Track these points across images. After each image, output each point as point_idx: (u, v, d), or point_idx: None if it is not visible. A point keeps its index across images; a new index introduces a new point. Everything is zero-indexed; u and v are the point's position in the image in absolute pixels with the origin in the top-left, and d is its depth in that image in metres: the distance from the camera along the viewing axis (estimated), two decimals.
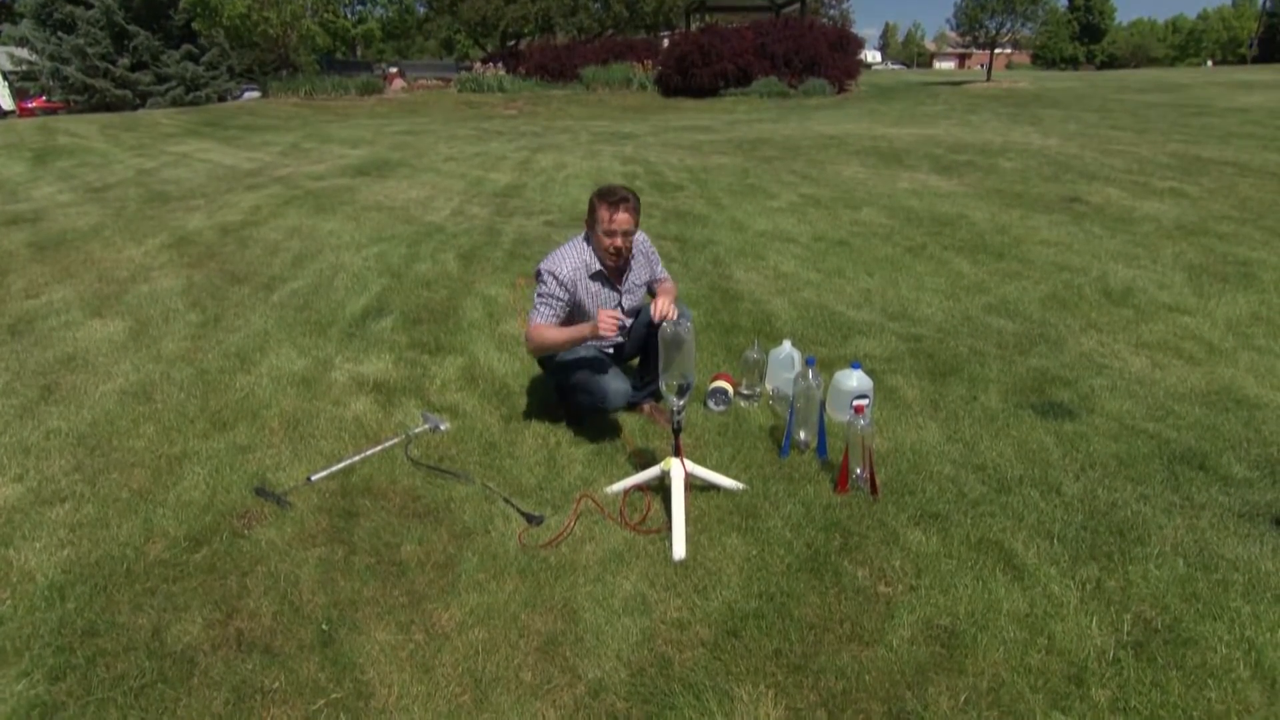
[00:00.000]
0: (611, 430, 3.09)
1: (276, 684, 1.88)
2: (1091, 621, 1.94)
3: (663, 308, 2.68)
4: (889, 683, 1.80)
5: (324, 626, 2.06)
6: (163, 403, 3.46)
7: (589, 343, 2.88)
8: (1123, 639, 1.88)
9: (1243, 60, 60.96)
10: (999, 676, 1.79)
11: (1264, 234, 5.68)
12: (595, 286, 2.96)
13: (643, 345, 3.16)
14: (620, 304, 3.03)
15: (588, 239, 2.93)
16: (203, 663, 1.95)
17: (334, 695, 1.84)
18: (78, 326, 4.49)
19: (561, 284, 2.85)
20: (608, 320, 2.61)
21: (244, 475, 2.83)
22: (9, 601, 2.15)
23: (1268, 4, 60.56)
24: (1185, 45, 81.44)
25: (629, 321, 3.10)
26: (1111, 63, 71.10)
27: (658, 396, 3.11)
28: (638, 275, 3.08)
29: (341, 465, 2.88)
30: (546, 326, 2.85)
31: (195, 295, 5.04)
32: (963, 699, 1.74)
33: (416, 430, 3.16)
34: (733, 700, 1.78)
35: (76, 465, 2.92)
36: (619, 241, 2.82)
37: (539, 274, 2.90)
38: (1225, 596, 2.01)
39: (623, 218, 2.77)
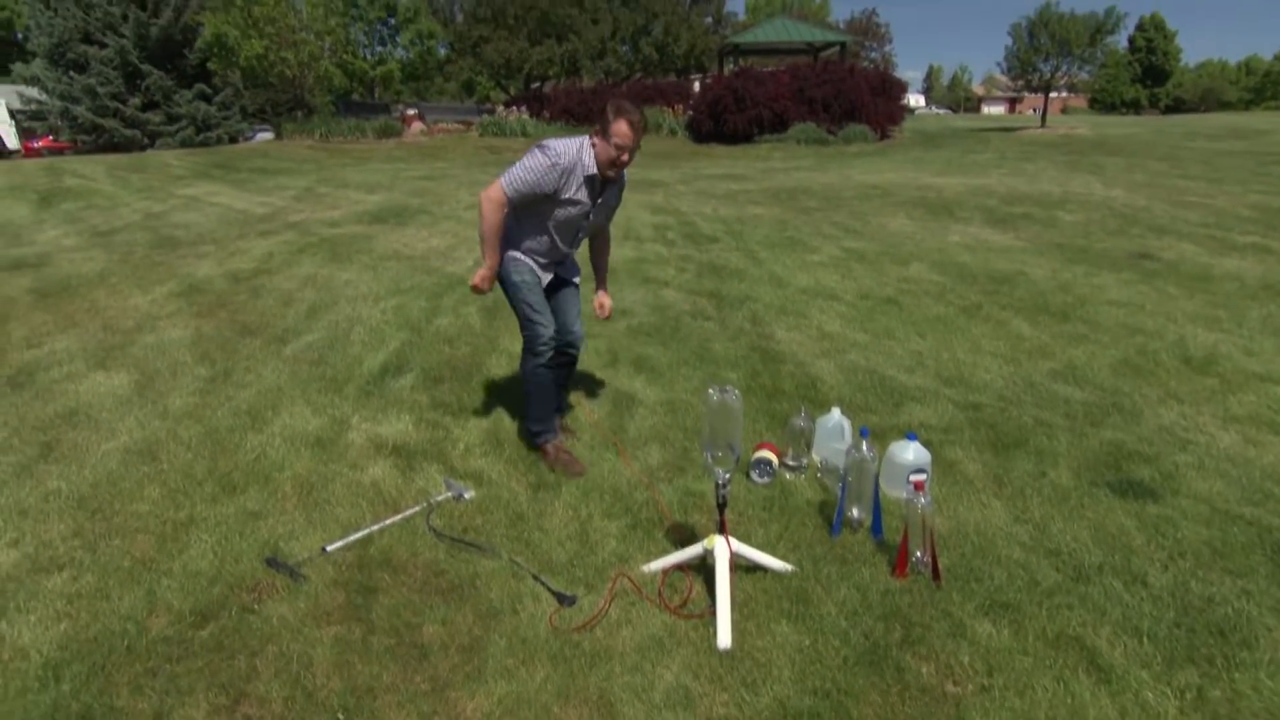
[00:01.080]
0: (648, 504, 3.10)
1: None
2: None
3: (604, 301, 3.70)
4: None
5: (339, 716, 2.05)
6: (169, 463, 3.53)
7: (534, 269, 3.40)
8: None
9: None
10: None
11: None
12: (579, 187, 3.20)
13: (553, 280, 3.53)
14: (589, 214, 3.33)
15: (593, 146, 3.16)
16: None
17: None
18: (80, 379, 4.62)
19: (554, 167, 3.11)
20: (480, 279, 3.25)
21: (254, 544, 2.86)
22: (3, 681, 2.18)
23: None
24: (1261, 88, 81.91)
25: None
26: (1178, 107, 71.61)
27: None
28: (610, 198, 3.41)
29: (359, 535, 2.90)
30: (501, 209, 3.17)
31: (204, 347, 5.17)
32: None
33: (439, 498, 3.18)
34: None
35: (76, 530, 2.97)
36: (625, 157, 3.12)
37: (540, 146, 3.14)
38: None
39: (628, 131, 3.06)
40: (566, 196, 3.20)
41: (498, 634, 2.36)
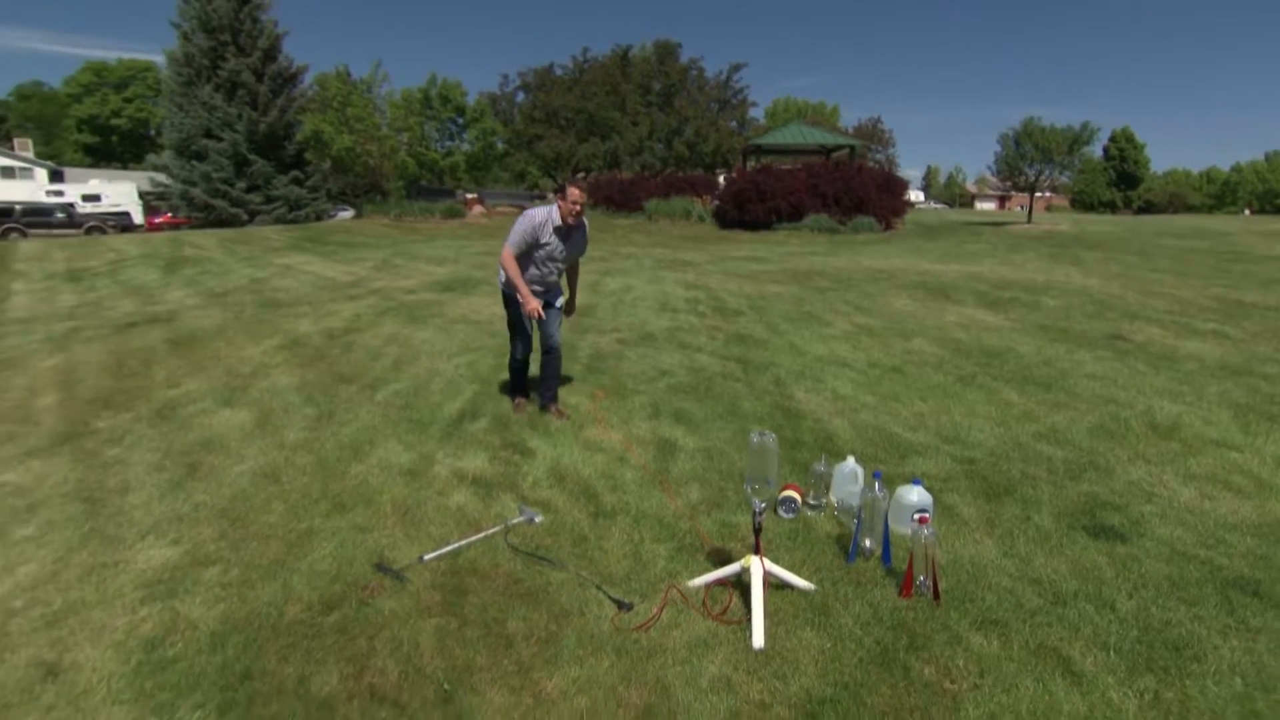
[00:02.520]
0: (691, 532, 3.30)
1: None
2: None
3: (570, 304, 4.98)
4: None
5: (445, 686, 2.27)
6: (289, 484, 3.81)
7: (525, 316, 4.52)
8: None
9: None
10: None
11: None
12: (550, 234, 4.39)
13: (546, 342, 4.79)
14: (562, 250, 4.50)
15: (557, 206, 4.34)
16: (341, 710, 2.17)
17: None
18: (212, 414, 4.95)
19: (534, 224, 4.33)
20: (531, 309, 4.39)
21: (365, 551, 3.11)
22: (180, 645, 2.43)
23: None
24: (1221, 194, 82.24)
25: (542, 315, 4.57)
26: (1148, 208, 71.79)
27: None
28: (576, 239, 4.57)
29: (450, 548, 3.14)
30: (514, 256, 4.39)
31: (309, 392, 5.49)
32: None
33: (514, 521, 3.41)
34: None
35: (221, 534, 3.25)
36: (576, 209, 4.32)
37: (524, 214, 4.41)
38: None
39: (578, 193, 4.31)
40: (544, 241, 4.40)
41: (569, 630, 2.57)
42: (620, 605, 2.71)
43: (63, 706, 2.14)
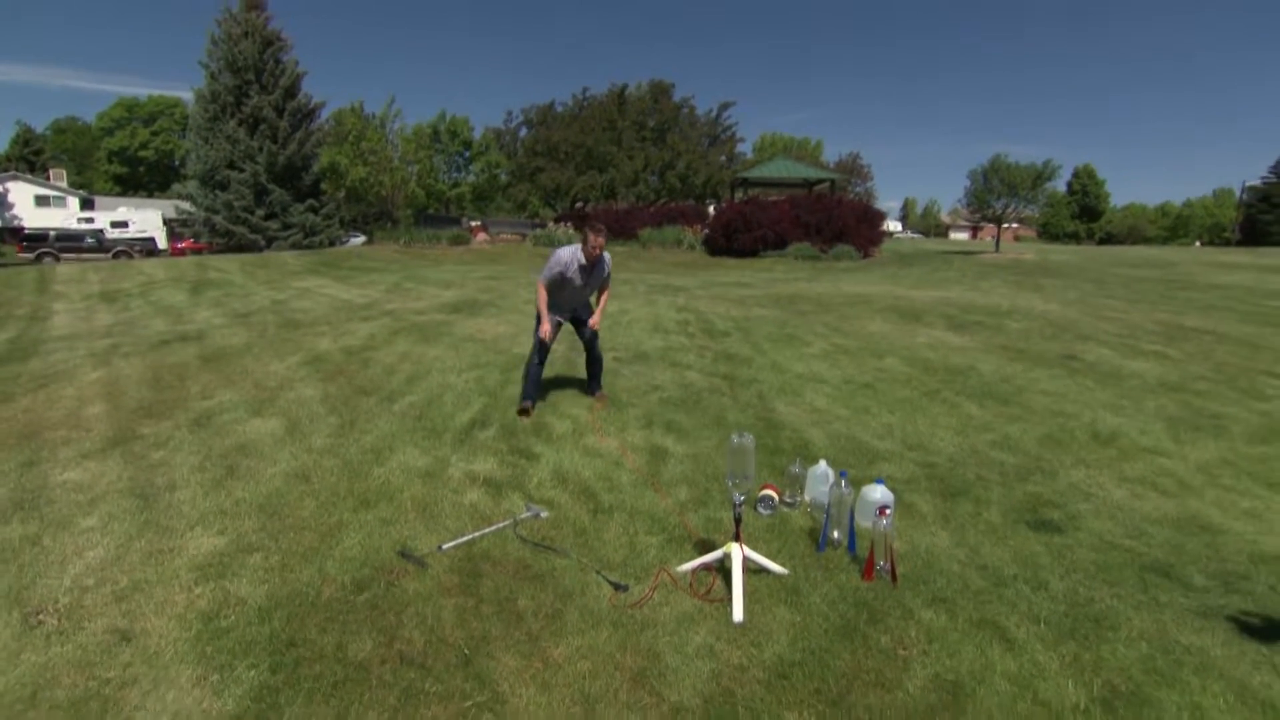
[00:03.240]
0: (679, 526, 3.52)
1: (434, 689, 2.29)
2: (1069, 683, 2.26)
3: (593, 320, 5.41)
4: (905, 715, 2.13)
5: (465, 652, 2.48)
6: (319, 484, 4.01)
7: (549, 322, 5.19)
8: (1094, 697, 2.19)
9: (1227, 242, 62.83)
10: (991, 715, 2.11)
11: (1236, 394, 6.02)
12: (576, 270, 5.05)
13: (572, 319, 5.48)
14: (587, 282, 5.19)
15: (580, 247, 5.03)
16: (376, 671, 2.38)
17: (478, 699, 2.24)
18: (244, 423, 5.15)
19: (562, 262, 5.01)
20: (544, 331, 5.12)
21: (389, 541, 3.31)
22: (232, 618, 2.63)
23: (1244, 197, 63.15)
24: (1174, 227, 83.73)
25: (560, 322, 5.37)
26: (1110, 239, 72.90)
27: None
28: (598, 273, 5.21)
29: (465, 539, 3.35)
30: (544, 288, 5.10)
31: (332, 403, 5.70)
32: None
33: (521, 516, 3.62)
34: None
35: (261, 526, 3.45)
36: (596, 251, 5.01)
37: (553, 253, 5.09)
38: (1179, 672, 2.31)
39: (598, 239, 4.99)
40: (569, 276, 5.05)
41: (572, 607, 2.78)
42: (617, 587, 2.92)
43: (138, 664, 2.34)
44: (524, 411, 5.25)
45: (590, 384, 5.75)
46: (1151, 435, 4.90)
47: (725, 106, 42.01)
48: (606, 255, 5.18)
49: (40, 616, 2.60)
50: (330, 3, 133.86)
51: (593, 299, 5.54)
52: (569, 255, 5.01)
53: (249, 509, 3.63)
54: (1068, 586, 2.88)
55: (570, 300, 5.32)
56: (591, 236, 4.96)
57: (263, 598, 2.77)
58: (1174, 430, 5.01)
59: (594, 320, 5.45)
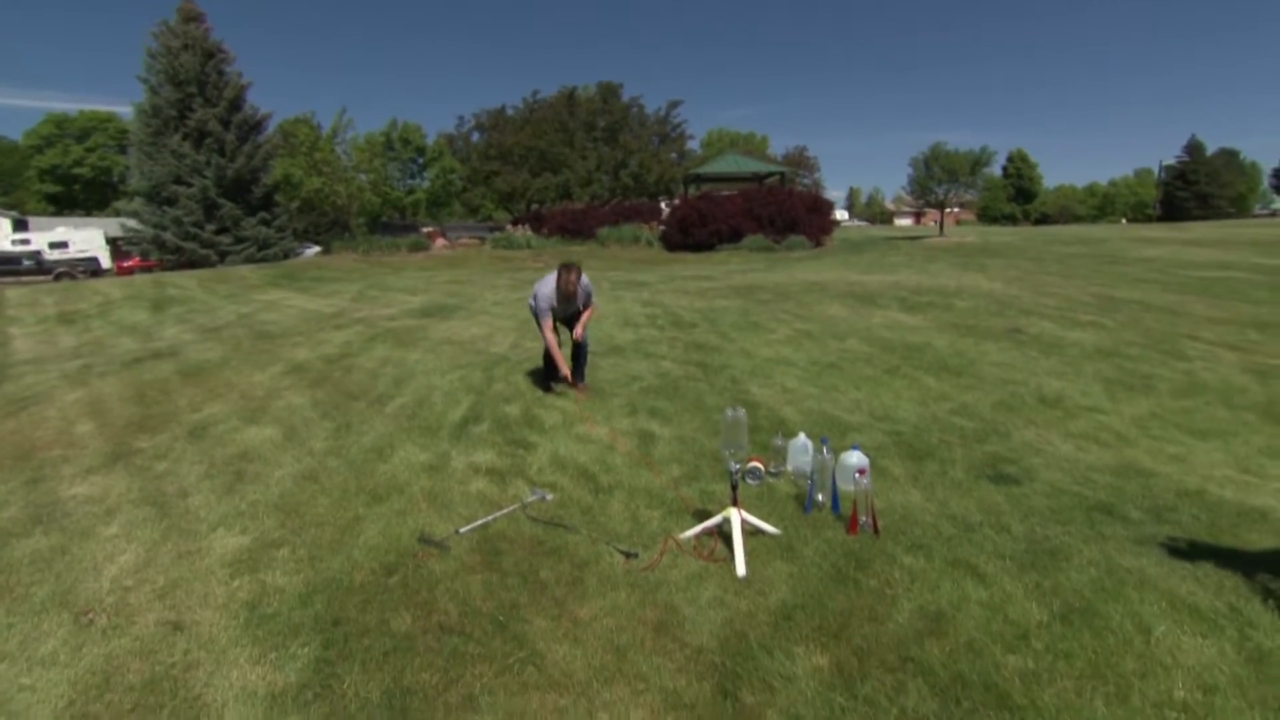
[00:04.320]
0: (676, 499, 3.78)
1: (477, 651, 2.49)
2: (1033, 605, 2.59)
3: (577, 333, 5.91)
4: (897, 641, 2.43)
5: (499, 618, 2.69)
6: (328, 483, 4.14)
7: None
8: (1054, 614, 2.52)
9: (1149, 219, 66.29)
10: (971, 636, 2.42)
11: (1162, 356, 6.56)
12: (558, 299, 5.68)
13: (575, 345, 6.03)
14: (570, 304, 5.84)
15: (557, 280, 5.62)
16: (420, 640, 2.57)
17: (519, 656, 2.46)
18: (240, 431, 5.21)
19: (545, 296, 5.64)
20: (564, 375, 5.87)
21: (408, 529, 3.48)
22: (275, 604, 2.79)
23: (1162, 175, 66.69)
24: (1102, 206, 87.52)
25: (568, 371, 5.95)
26: (1044, 219, 75.84)
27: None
28: (576, 299, 5.83)
29: (480, 522, 3.54)
30: (550, 329, 5.70)
31: (323, 408, 5.78)
32: (947, 648, 2.36)
33: (529, 499, 3.83)
34: (793, 654, 2.40)
35: (281, 523, 3.58)
36: (570, 288, 5.64)
37: (535, 296, 5.77)
38: (1122, 589, 2.66)
39: (572, 278, 5.61)
40: (554, 306, 5.68)
41: (590, 574, 3.01)
42: (627, 555, 3.16)
43: (196, 650, 2.49)
44: (549, 389, 6.04)
45: (575, 373, 6.04)
46: (1091, 396, 5.35)
47: (674, 105, 42.45)
48: (585, 281, 5.82)
49: (90, 616, 2.72)
50: (271, 14, 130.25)
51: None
52: (548, 290, 5.70)
53: (265, 509, 3.76)
54: (1027, 528, 3.23)
55: (559, 316, 5.96)
56: (564, 275, 5.66)
57: (300, 585, 2.93)
58: (1110, 391, 5.47)
59: (577, 332, 6.00)
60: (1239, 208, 68.40)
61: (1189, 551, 2.96)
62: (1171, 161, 67.48)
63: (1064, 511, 3.39)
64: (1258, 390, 5.56)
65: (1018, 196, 76.01)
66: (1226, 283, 12.20)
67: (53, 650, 2.55)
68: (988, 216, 74.24)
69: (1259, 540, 3.07)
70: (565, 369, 5.82)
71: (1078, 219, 79.16)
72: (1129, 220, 72.60)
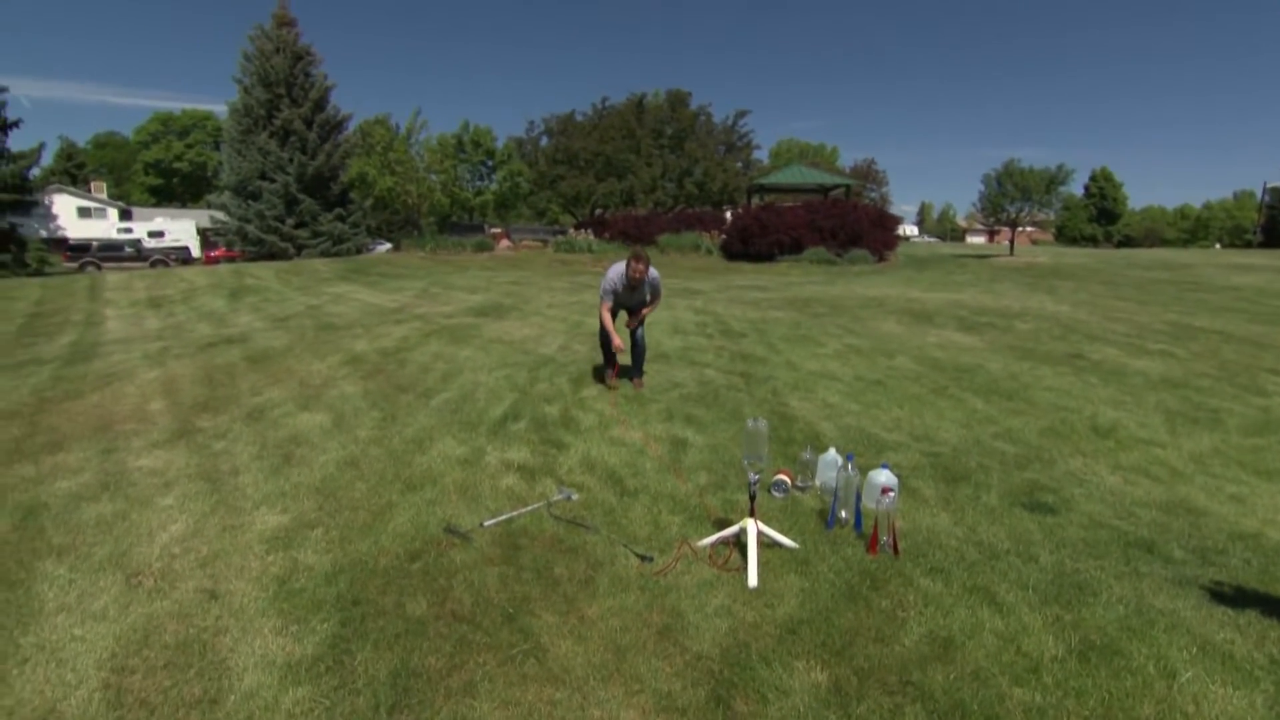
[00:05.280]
0: (699, 506, 3.78)
1: (483, 641, 2.57)
2: (1049, 639, 2.49)
3: (632, 324, 6.16)
4: (901, 664, 2.38)
5: (509, 611, 2.76)
6: (367, 469, 4.32)
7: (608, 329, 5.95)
8: (1071, 649, 2.42)
9: (1249, 244, 61.90)
10: (979, 665, 2.35)
11: (1235, 389, 6.16)
12: (624, 287, 5.83)
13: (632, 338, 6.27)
14: (634, 294, 5.97)
15: (624, 268, 5.77)
16: (432, 625, 2.66)
17: (523, 648, 2.52)
18: (294, 417, 5.48)
19: (611, 280, 5.80)
20: (616, 344, 5.88)
21: (436, 519, 3.60)
22: (303, 580, 2.94)
23: (1266, 198, 62.10)
24: (1194, 230, 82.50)
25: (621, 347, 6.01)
26: (1128, 241, 71.99)
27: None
28: (642, 289, 5.96)
29: (504, 517, 3.63)
30: (606, 310, 5.86)
31: (373, 399, 6.02)
32: (952, 675, 2.30)
33: (554, 498, 3.90)
34: (792, 668, 2.38)
35: (319, 506, 3.76)
36: (637, 276, 5.73)
37: (606, 275, 5.86)
38: (1151, 630, 2.53)
39: (639, 267, 5.71)
40: (619, 290, 5.83)
41: (603, 574, 3.05)
42: (642, 558, 3.19)
43: (227, 617, 2.65)
44: (609, 378, 6.28)
45: (633, 370, 6.31)
46: (1149, 428, 5.08)
47: (741, 114, 42.23)
48: (654, 273, 5.94)
49: (139, 578, 2.93)
50: (358, 18, 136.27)
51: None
52: (616, 275, 5.83)
53: (307, 491, 3.95)
54: (1056, 559, 3.11)
55: (623, 303, 6.13)
56: (633, 263, 5.77)
57: (328, 565, 3.07)
58: (1171, 423, 5.19)
59: (633, 324, 6.23)
60: None
61: (1234, 597, 2.79)
62: (1277, 184, 62.93)
63: (1099, 545, 3.24)
64: None
65: (1100, 217, 72.35)
66: None
67: (104, 606, 2.75)
68: (1065, 237, 70.99)
69: None
70: (618, 339, 5.88)
71: (1166, 242, 74.95)
72: (1224, 246, 68.16)
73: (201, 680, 2.33)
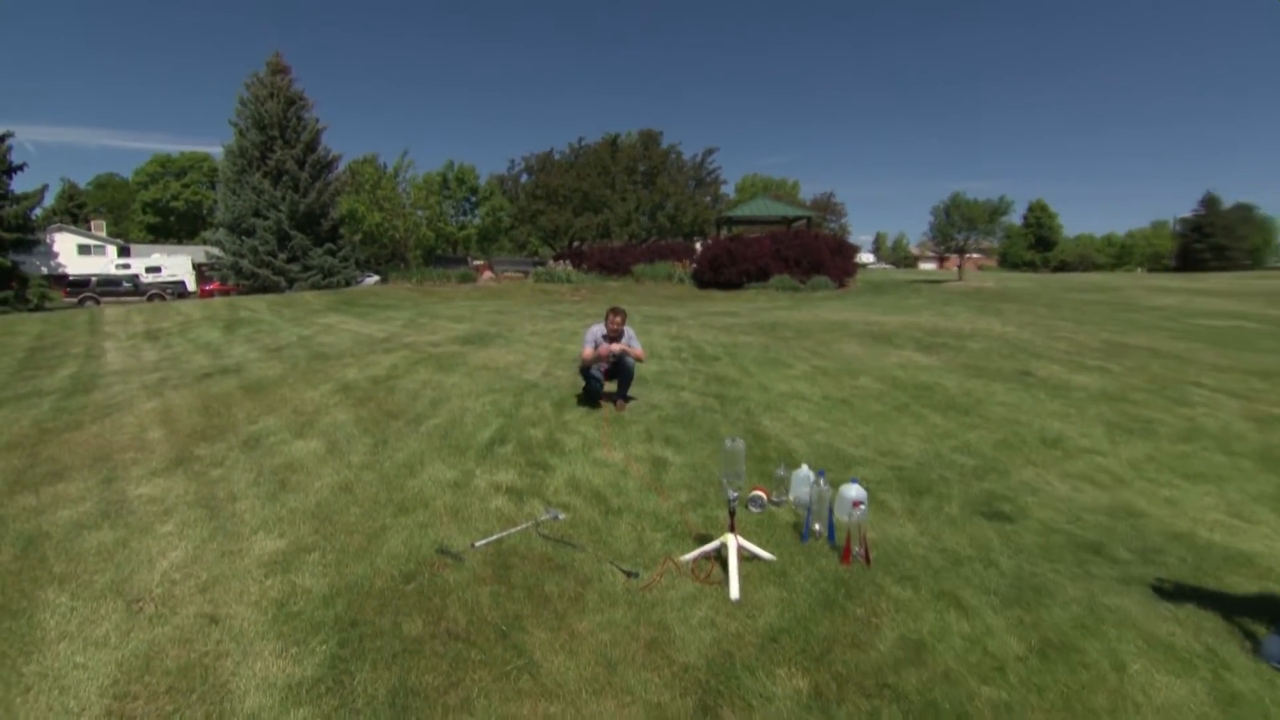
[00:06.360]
0: (681, 523, 3.77)
1: (479, 658, 2.52)
2: (1012, 639, 2.52)
3: (614, 348, 6.03)
4: (876, 668, 2.38)
5: (502, 628, 2.71)
6: (361, 494, 4.24)
7: (595, 368, 6.13)
8: (1031, 648, 2.45)
9: (1167, 269, 64.84)
10: (949, 666, 2.37)
11: (1165, 401, 6.34)
12: (602, 339, 5.99)
13: (615, 372, 6.24)
14: (613, 350, 6.00)
15: (605, 321, 5.97)
16: (428, 644, 2.61)
17: (517, 664, 2.48)
18: (289, 444, 5.37)
19: (593, 335, 5.99)
20: (606, 350, 5.94)
21: (428, 541, 3.55)
22: (301, 603, 2.86)
23: (1177, 228, 65.52)
24: (1120, 255, 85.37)
25: (614, 353, 6.05)
26: (1063, 266, 74.20)
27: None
28: (625, 337, 6.06)
29: (495, 537, 3.58)
30: (588, 352, 5.99)
31: (365, 425, 5.93)
32: (925, 677, 2.31)
33: (542, 518, 3.86)
34: (775, 675, 2.37)
35: (315, 530, 3.68)
36: (615, 327, 5.95)
37: (588, 330, 6.13)
38: (1102, 627, 2.57)
39: (617, 319, 5.95)
40: (599, 343, 5.93)
41: (591, 591, 3.02)
42: (628, 574, 3.17)
43: (227, 641, 2.57)
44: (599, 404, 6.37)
45: (618, 393, 6.34)
46: (1091, 438, 5.20)
47: (710, 152, 42.84)
48: (629, 330, 6.13)
49: (140, 604, 2.83)
50: (348, 64, 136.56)
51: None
52: (597, 330, 6.09)
53: (302, 516, 3.87)
54: (1015, 564, 3.15)
55: (606, 361, 6.28)
56: (610, 317, 6.01)
57: (325, 588, 3.01)
58: (1111, 433, 5.31)
59: (637, 351, 6.26)
60: (1255, 260, 65.99)
61: (1173, 592, 2.85)
62: (1187, 215, 66.13)
63: (1053, 549, 3.30)
64: (1256, 437, 5.34)
65: (1038, 244, 74.57)
66: (1236, 332, 11.77)
67: (105, 633, 2.66)
68: (1008, 263, 72.89)
69: (1243, 584, 2.94)
70: (605, 345, 5.98)
71: (1097, 267, 77.32)
72: (1146, 270, 70.71)
73: (204, 704, 2.25)
